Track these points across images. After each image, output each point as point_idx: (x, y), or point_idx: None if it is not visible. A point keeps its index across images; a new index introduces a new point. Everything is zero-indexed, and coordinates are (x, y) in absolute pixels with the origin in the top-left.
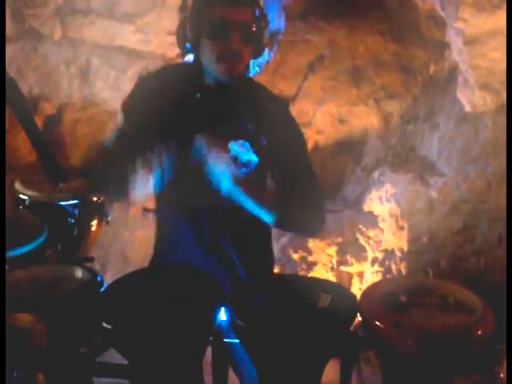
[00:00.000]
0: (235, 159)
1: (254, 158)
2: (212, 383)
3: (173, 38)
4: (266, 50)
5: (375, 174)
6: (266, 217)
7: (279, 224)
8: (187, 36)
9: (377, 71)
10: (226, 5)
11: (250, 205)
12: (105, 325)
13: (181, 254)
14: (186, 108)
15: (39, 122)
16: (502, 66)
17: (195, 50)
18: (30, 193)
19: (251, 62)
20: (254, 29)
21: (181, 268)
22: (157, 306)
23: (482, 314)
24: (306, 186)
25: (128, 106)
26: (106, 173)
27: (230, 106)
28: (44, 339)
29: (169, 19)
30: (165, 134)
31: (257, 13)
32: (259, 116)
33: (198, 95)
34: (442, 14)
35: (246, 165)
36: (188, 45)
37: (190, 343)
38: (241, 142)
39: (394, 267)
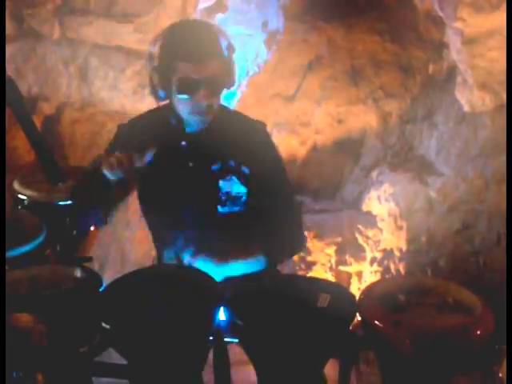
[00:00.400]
0: (227, 194)
1: (243, 190)
2: (214, 383)
3: None
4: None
5: (374, 174)
6: (259, 265)
7: (272, 263)
8: (158, 86)
9: (375, 71)
10: (190, 62)
11: (242, 268)
12: (104, 325)
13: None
14: (173, 157)
15: (38, 121)
16: (501, 65)
17: (168, 98)
18: (28, 193)
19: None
20: (221, 77)
21: (180, 268)
22: (156, 305)
23: (481, 313)
24: (286, 206)
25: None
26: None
27: (213, 147)
28: (43, 339)
29: (167, 19)
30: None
31: (224, 56)
32: (240, 146)
33: (184, 143)
34: (440, 13)
35: (237, 197)
36: (161, 93)
37: (189, 343)
38: (229, 177)
39: (392, 267)
